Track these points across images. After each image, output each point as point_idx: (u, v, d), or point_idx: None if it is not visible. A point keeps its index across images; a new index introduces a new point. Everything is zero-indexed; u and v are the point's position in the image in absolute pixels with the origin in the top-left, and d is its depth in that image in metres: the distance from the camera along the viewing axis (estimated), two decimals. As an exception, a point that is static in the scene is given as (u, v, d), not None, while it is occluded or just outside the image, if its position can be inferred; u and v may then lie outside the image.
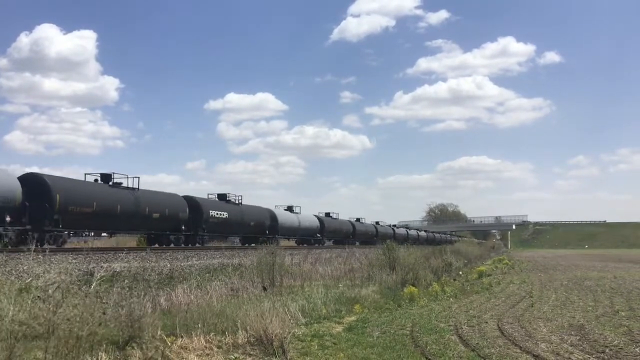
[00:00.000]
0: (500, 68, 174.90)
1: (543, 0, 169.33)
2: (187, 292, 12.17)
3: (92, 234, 26.64)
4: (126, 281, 9.15)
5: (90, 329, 6.32)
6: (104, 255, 17.44)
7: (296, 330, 9.53)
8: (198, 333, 8.24)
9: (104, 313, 6.90)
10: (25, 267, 12.39)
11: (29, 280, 8.55)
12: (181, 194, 29.55)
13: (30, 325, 5.96)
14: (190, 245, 27.45)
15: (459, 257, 32.15)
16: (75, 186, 22.37)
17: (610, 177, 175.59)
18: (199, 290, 12.71)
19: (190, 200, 28.86)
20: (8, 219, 18.97)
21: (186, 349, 7.67)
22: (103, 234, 28.71)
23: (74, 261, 13.07)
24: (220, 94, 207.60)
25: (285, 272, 16.90)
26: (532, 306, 14.17)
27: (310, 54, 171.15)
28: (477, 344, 9.17)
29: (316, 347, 8.77)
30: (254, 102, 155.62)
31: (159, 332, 7.67)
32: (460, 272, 25.02)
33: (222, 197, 33.04)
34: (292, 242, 39.80)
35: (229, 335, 8.46)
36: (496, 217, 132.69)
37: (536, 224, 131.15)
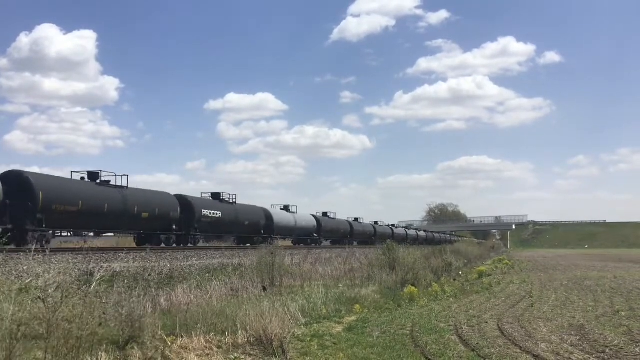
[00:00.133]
0: (501, 68, 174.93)
1: (543, 0, 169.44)
2: (187, 292, 12.16)
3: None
4: (126, 281, 9.15)
5: (90, 329, 6.32)
6: (104, 255, 17.43)
7: (296, 330, 9.54)
8: (198, 333, 8.25)
9: (103, 313, 6.90)
10: (25, 267, 12.40)
11: (28, 280, 8.55)
12: (178, 194, 29.06)
13: (30, 325, 5.95)
14: (182, 245, 26.78)
15: (459, 257, 32.17)
16: (59, 184, 21.59)
17: (610, 177, 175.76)
18: (198, 290, 12.71)
19: (182, 199, 28.16)
20: None
21: (186, 349, 7.67)
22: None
23: (73, 261, 13.08)
24: (220, 94, 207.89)
25: (285, 272, 16.91)
26: (532, 306, 14.17)
27: (310, 54, 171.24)
28: (477, 344, 9.17)
29: (316, 347, 8.77)
30: (254, 102, 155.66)
31: (159, 332, 7.67)
32: (460, 272, 25.04)
33: (215, 196, 32.38)
34: (288, 242, 39.02)
35: (228, 335, 8.47)
36: (496, 217, 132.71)
37: (536, 223, 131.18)
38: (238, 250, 25.08)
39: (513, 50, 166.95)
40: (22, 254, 14.12)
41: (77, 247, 21.78)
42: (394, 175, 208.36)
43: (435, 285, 17.56)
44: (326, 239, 46.85)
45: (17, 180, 19.74)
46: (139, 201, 24.73)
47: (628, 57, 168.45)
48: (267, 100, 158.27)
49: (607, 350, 8.76)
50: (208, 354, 7.72)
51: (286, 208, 40.69)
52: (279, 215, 37.82)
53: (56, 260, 12.85)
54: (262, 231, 34.77)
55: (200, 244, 34.67)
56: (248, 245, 31.97)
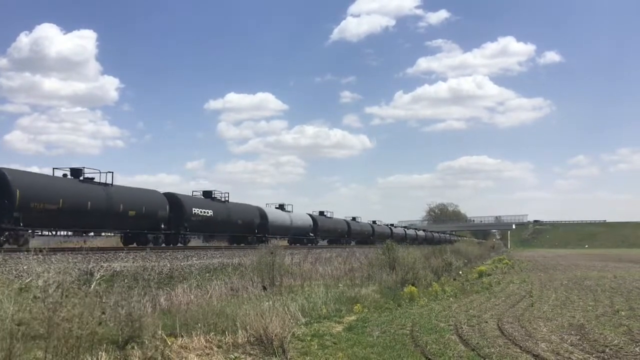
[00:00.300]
0: (501, 68, 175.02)
1: (543, 0, 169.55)
2: (187, 292, 12.17)
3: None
4: (126, 281, 9.15)
5: (90, 329, 6.32)
6: (104, 254, 17.44)
7: (296, 329, 9.53)
8: (198, 333, 8.25)
9: (103, 313, 6.89)
10: (25, 267, 12.40)
11: (28, 280, 8.55)
12: (167, 192, 28.07)
13: (30, 324, 5.95)
14: (172, 245, 26.06)
15: (459, 256, 32.19)
16: (38, 181, 20.62)
17: (610, 176, 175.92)
18: (198, 290, 12.72)
19: (171, 197, 27.27)
20: None
21: (186, 348, 7.67)
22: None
23: (73, 261, 13.06)
24: (220, 93, 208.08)
25: (285, 271, 16.91)
26: (532, 306, 14.17)
27: (310, 54, 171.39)
28: (477, 343, 9.16)
29: (316, 346, 8.77)
30: (254, 102, 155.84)
31: (159, 332, 7.66)
32: (460, 272, 25.05)
33: (207, 194, 31.47)
34: (283, 242, 37.98)
35: (229, 335, 8.46)
36: (496, 217, 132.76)
37: (536, 223, 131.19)
38: (238, 250, 25.05)
39: (513, 50, 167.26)
40: (22, 253, 14.11)
41: (76, 246, 21.81)
42: (394, 175, 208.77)
43: (435, 285, 17.56)
44: (323, 239, 46.24)
45: (-7, 177, 18.91)
46: (125, 199, 23.84)
47: (628, 57, 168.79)
48: (267, 100, 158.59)
49: (607, 350, 8.76)
50: (208, 354, 7.72)
51: (281, 207, 40.02)
52: (274, 214, 37.09)
53: (56, 260, 12.84)
54: (256, 230, 34.07)
55: (197, 243, 34.48)
56: (242, 245, 31.50)
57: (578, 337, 9.79)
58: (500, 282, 22.03)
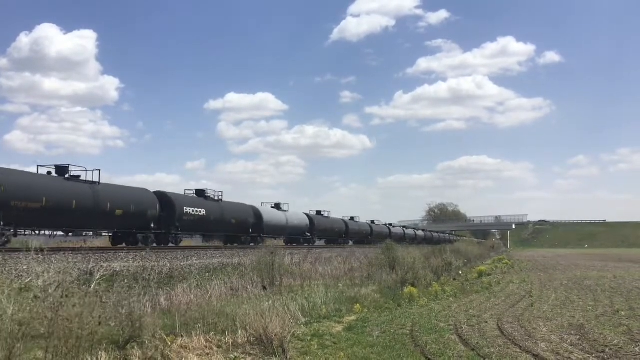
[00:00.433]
0: (500, 68, 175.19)
1: (543, 0, 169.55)
2: (187, 292, 12.17)
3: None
4: (126, 281, 9.15)
5: (91, 329, 6.32)
6: (103, 254, 17.44)
7: (296, 329, 9.53)
8: (198, 332, 8.25)
9: (104, 312, 6.90)
10: (25, 267, 12.39)
11: (28, 279, 8.55)
12: (158, 190, 27.33)
13: (30, 324, 5.96)
14: (162, 245, 25.24)
15: (459, 256, 32.18)
16: (20, 179, 19.79)
17: (610, 176, 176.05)
18: (198, 290, 12.72)
19: (161, 196, 26.48)
20: None
21: (186, 348, 7.67)
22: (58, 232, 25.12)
23: (73, 261, 13.06)
24: (220, 93, 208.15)
25: (285, 271, 16.91)
26: (532, 306, 14.17)
27: (310, 54, 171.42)
28: (477, 343, 9.17)
29: (316, 346, 8.77)
30: (254, 102, 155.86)
31: (159, 332, 7.67)
32: (460, 272, 25.05)
33: (200, 193, 30.73)
34: (279, 242, 37.44)
35: (229, 335, 8.47)
36: (496, 217, 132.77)
37: (536, 223, 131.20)
38: (238, 250, 25.04)
39: (513, 50, 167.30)
40: (21, 253, 14.11)
41: (76, 246, 21.79)
42: (394, 175, 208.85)
43: (435, 285, 17.57)
44: (320, 239, 45.58)
45: (-28, 175, 18.32)
46: (112, 198, 23.09)
47: (628, 57, 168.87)
48: (267, 100, 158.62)
49: (607, 350, 8.76)
50: (208, 354, 7.72)
51: (277, 206, 39.35)
52: (269, 214, 36.49)
53: (56, 260, 12.84)
54: (251, 230, 33.55)
55: (197, 243, 34.24)
56: (236, 245, 31.05)
57: (578, 337, 9.79)
58: (500, 282, 22.03)
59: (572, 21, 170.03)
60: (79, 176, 22.47)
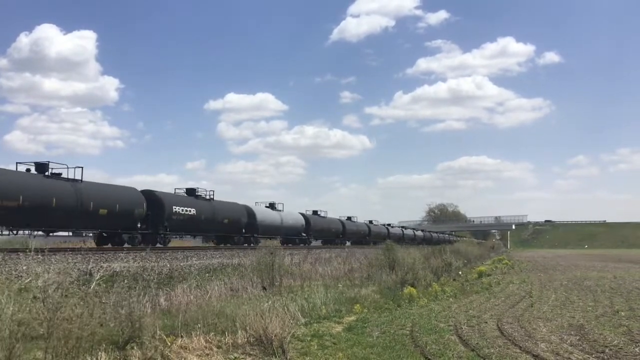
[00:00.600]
0: (500, 68, 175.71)
1: (543, 0, 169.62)
2: (187, 292, 12.17)
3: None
4: (126, 281, 9.15)
5: (90, 329, 6.32)
6: (103, 255, 17.44)
7: (296, 330, 9.53)
8: (198, 333, 8.25)
9: (103, 313, 6.90)
10: (24, 267, 12.39)
11: (28, 280, 8.54)
12: (146, 189, 26.62)
13: (30, 325, 5.95)
14: (151, 246, 23.89)
15: (459, 257, 32.16)
16: None
17: (610, 177, 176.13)
18: (198, 290, 12.72)
19: (149, 195, 25.67)
20: None
21: (186, 349, 7.67)
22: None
23: (73, 261, 13.07)
24: (220, 94, 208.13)
25: (285, 272, 16.91)
26: (532, 306, 14.17)
27: (310, 54, 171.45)
28: (477, 344, 9.17)
29: (316, 347, 8.77)
30: (254, 102, 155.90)
31: (158, 332, 7.66)
32: (460, 272, 25.03)
33: (190, 192, 30.01)
34: (275, 242, 36.85)
35: (228, 335, 8.46)
36: (496, 217, 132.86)
37: (536, 223, 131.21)
38: (238, 250, 25.03)
39: (512, 50, 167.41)
40: (21, 253, 14.11)
41: (76, 247, 21.75)
42: (394, 175, 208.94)
43: (435, 285, 17.56)
44: (316, 239, 44.70)
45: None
46: (96, 196, 22.24)
47: (628, 57, 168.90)
48: (267, 100, 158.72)
49: (607, 350, 8.76)
50: (208, 354, 7.72)
51: (272, 206, 38.86)
52: (263, 213, 35.89)
53: (55, 260, 12.84)
54: (244, 230, 32.94)
55: (197, 243, 34.03)
56: (228, 245, 30.68)
57: (578, 338, 9.79)
58: (500, 282, 22.03)
59: (572, 21, 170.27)
60: (60, 174, 21.58)
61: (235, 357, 7.78)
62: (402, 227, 74.97)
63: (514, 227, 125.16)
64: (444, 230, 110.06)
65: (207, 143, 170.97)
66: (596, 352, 8.67)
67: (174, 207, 26.84)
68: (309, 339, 9.32)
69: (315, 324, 10.78)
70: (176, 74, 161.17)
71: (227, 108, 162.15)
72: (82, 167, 21.94)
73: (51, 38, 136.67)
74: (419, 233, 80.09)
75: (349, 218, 52.68)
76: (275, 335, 8.07)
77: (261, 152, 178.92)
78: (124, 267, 14.93)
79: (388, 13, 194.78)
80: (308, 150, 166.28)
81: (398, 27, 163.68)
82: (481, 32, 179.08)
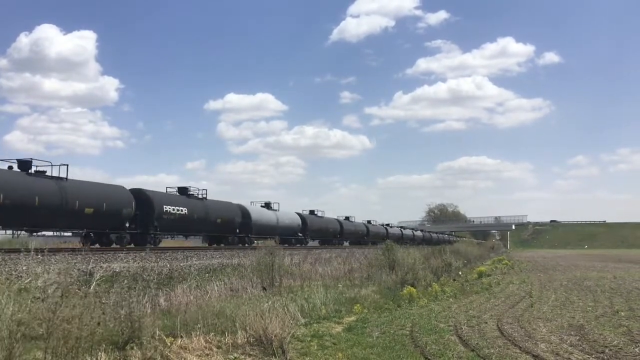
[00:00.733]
0: (500, 68, 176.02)
1: (543, 1, 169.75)
2: (187, 292, 12.16)
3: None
4: (125, 281, 9.15)
5: (90, 329, 6.32)
6: (103, 255, 17.44)
7: (296, 330, 9.53)
8: (197, 333, 8.24)
9: (103, 313, 6.90)
10: (24, 267, 12.39)
11: (28, 280, 8.55)
12: (135, 187, 26.13)
13: (29, 325, 5.95)
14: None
15: (459, 257, 32.16)
16: None
17: (610, 177, 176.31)
18: (198, 291, 12.71)
19: (138, 194, 25.10)
20: None
21: (186, 349, 7.67)
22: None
23: (73, 261, 13.07)
24: (220, 94, 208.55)
25: (285, 272, 16.90)
26: (532, 306, 14.17)
27: (310, 54, 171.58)
28: (477, 344, 9.17)
29: (316, 347, 8.77)
30: (254, 102, 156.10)
31: (158, 333, 7.66)
32: (460, 272, 25.02)
33: (182, 191, 29.38)
34: (270, 243, 36.07)
35: (228, 336, 8.46)
36: (496, 217, 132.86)
37: (536, 224, 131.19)
38: (238, 251, 25.02)
39: (512, 50, 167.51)
40: (21, 254, 14.11)
41: (76, 247, 21.72)
42: (394, 175, 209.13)
43: (434, 286, 17.55)
44: (313, 239, 44.32)
45: None
46: (81, 195, 21.53)
47: (627, 57, 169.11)
48: (267, 101, 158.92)
49: (607, 351, 8.76)
50: (208, 354, 7.71)
51: (267, 205, 38.38)
52: (258, 213, 35.35)
53: (55, 261, 12.84)
54: (238, 230, 32.44)
55: (197, 243, 33.81)
56: (222, 245, 30.33)
57: (578, 338, 9.79)
58: (499, 282, 22.02)
59: (571, 21, 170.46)
60: (44, 171, 20.90)
61: (235, 358, 7.77)
62: (401, 227, 74.80)
63: (513, 227, 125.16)
64: (443, 231, 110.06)
65: (207, 143, 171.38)
66: (596, 352, 8.67)
67: (164, 206, 26.23)
68: (308, 339, 9.31)
69: (315, 324, 10.77)
70: (176, 74, 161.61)
71: (227, 108, 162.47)
72: (67, 165, 21.38)
73: (51, 38, 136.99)
74: (418, 233, 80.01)
75: (346, 218, 52.25)
76: (275, 336, 8.07)
77: (261, 152, 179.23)
78: (123, 267, 14.93)
79: (388, 13, 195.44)
80: (308, 150, 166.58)
81: (398, 27, 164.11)
82: (481, 32, 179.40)
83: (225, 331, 8.62)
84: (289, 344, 8.26)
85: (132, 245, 23.54)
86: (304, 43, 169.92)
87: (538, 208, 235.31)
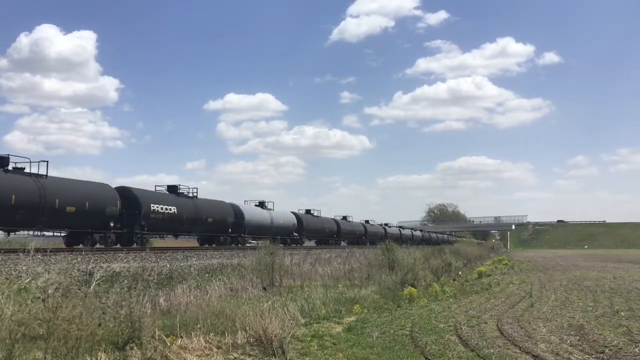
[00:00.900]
0: (500, 68, 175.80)
1: (542, 1, 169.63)
2: (187, 293, 12.16)
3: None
4: (125, 281, 9.15)
5: (90, 329, 6.32)
6: (103, 255, 17.45)
7: (296, 330, 9.53)
8: (197, 333, 8.24)
9: (103, 313, 6.90)
10: (24, 267, 12.40)
11: (28, 280, 8.55)
12: (120, 185, 25.18)
13: (29, 325, 5.95)
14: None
15: (459, 257, 32.20)
16: None
17: (610, 177, 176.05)
18: (198, 291, 12.71)
19: (124, 192, 24.14)
20: None
21: (186, 349, 7.67)
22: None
23: (73, 261, 13.08)
24: (220, 94, 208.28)
25: (285, 272, 16.91)
26: (532, 306, 14.17)
27: (310, 54, 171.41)
28: (477, 344, 9.17)
29: (316, 347, 8.77)
30: (254, 103, 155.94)
31: (158, 333, 7.66)
32: (460, 273, 25.06)
33: (172, 189, 28.39)
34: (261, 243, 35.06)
35: (228, 336, 8.46)
36: (496, 217, 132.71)
37: (536, 224, 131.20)
38: (238, 251, 25.03)
39: (512, 50, 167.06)
40: (21, 254, 14.12)
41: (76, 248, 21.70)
42: (394, 175, 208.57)
43: (434, 286, 17.57)
44: (309, 239, 43.39)
45: None
46: (62, 193, 20.58)
47: (627, 57, 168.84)
48: (267, 101, 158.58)
49: (607, 351, 8.77)
50: (208, 354, 7.72)
51: (261, 204, 37.47)
52: (251, 212, 34.37)
53: (55, 261, 12.86)
54: (230, 230, 31.52)
55: (194, 244, 33.61)
56: (213, 245, 29.75)
57: (577, 338, 9.79)
58: (499, 282, 22.03)
59: (571, 21, 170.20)
60: (22, 168, 19.95)
61: (235, 358, 7.77)
62: (400, 227, 74.64)
63: (513, 227, 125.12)
64: (443, 231, 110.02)
65: (207, 143, 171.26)
66: (596, 352, 8.67)
67: (152, 205, 25.23)
68: (308, 339, 9.31)
69: (315, 325, 10.78)
70: (176, 74, 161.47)
71: (227, 108, 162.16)
72: (47, 162, 20.53)
73: (51, 38, 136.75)
74: (417, 233, 79.77)
75: (344, 217, 51.40)
76: (275, 336, 8.08)
77: (261, 152, 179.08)
78: (123, 267, 14.94)
79: (388, 13, 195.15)
80: (308, 150, 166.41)
81: (398, 28, 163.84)
82: (481, 33, 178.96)
83: (225, 331, 8.62)
84: (289, 344, 8.27)
85: (118, 246, 22.83)
86: (303, 43, 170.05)
87: (538, 208, 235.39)
